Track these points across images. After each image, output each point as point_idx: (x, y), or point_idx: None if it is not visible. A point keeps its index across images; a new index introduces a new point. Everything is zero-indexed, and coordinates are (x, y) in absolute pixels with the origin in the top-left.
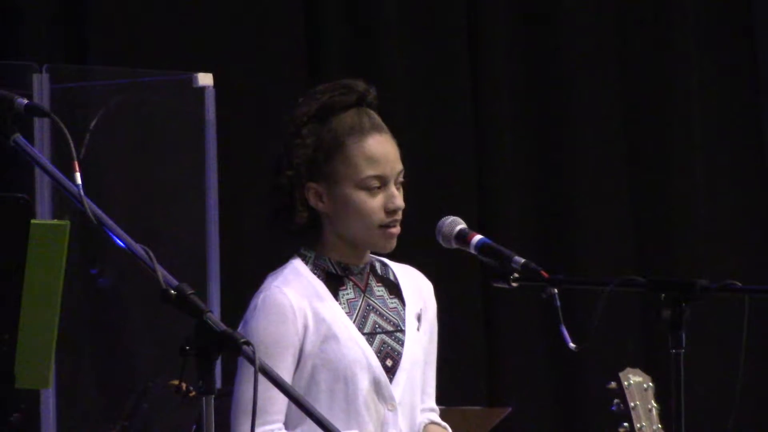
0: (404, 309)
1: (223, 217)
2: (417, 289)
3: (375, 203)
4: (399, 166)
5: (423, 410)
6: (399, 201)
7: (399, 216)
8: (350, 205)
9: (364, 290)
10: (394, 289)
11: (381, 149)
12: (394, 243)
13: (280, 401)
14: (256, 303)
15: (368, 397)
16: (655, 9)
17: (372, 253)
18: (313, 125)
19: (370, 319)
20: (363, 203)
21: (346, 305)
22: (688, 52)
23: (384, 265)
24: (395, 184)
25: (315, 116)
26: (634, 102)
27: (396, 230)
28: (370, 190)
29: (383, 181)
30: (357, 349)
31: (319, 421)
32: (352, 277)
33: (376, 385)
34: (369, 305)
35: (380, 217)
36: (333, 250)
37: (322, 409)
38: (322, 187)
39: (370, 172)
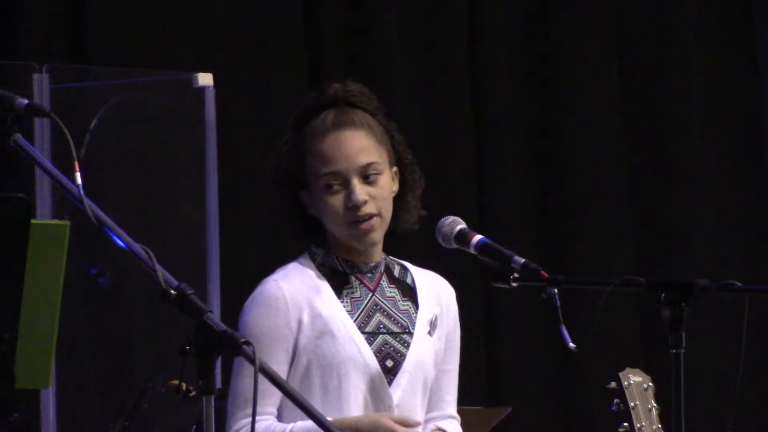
0: (417, 313)
1: (223, 218)
2: (435, 294)
3: (336, 202)
4: (361, 160)
5: (442, 417)
6: (357, 196)
7: (364, 211)
8: (321, 207)
9: (374, 290)
10: (408, 292)
11: (334, 147)
12: (369, 238)
13: (273, 394)
14: (253, 296)
15: (362, 395)
16: (655, 10)
17: (393, 254)
18: (290, 135)
19: (374, 319)
20: (327, 203)
21: (349, 303)
22: (688, 52)
23: (404, 268)
24: (362, 178)
25: (292, 125)
26: (634, 102)
27: (365, 226)
28: (330, 189)
29: (342, 178)
30: (353, 347)
31: (317, 419)
32: (359, 276)
33: (372, 385)
34: (376, 305)
35: (343, 214)
36: (338, 249)
37: (315, 404)
38: (307, 193)
39: (324, 170)
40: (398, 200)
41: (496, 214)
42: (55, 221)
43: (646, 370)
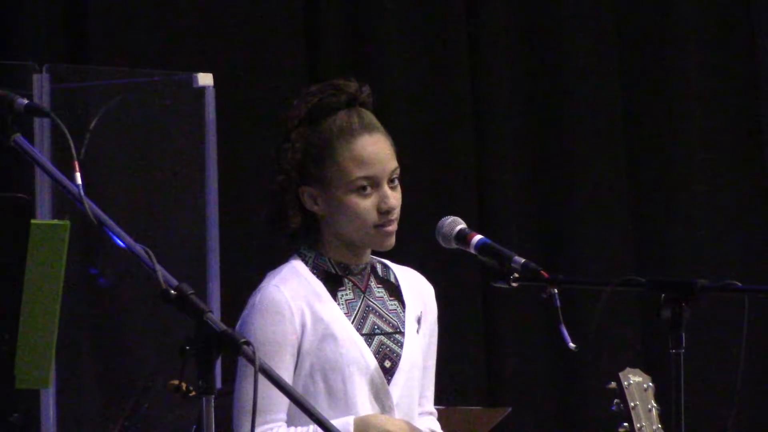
0: (404, 311)
1: (223, 217)
2: (418, 291)
3: (367, 204)
4: (391, 165)
5: (421, 414)
6: (392, 201)
7: (394, 215)
8: (343, 207)
9: (364, 291)
10: (394, 290)
11: (370, 150)
12: (392, 241)
13: (282, 400)
14: (254, 302)
15: (366, 397)
16: (655, 10)
17: (373, 254)
18: (303, 129)
19: (368, 320)
20: (355, 205)
21: (344, 306)
22: (688, 52)
23: (385, 267)
24: (389, 182)
25: (305, 119)
26: (634, 103)
27: (392, 228)
28: (362, 192)
29: (375, 182)
30: (355, 349)
31: (319, 421)
32: (351, 278)
33: (374, 386)
34: (368, 306)
35: (373, 217)
36: (332, 251)
37: (320, 407)
38: (315, 190)
39: (359, 173)
40: None
41: (496, 214)
42: (55, 221)
43: (646, 370)
